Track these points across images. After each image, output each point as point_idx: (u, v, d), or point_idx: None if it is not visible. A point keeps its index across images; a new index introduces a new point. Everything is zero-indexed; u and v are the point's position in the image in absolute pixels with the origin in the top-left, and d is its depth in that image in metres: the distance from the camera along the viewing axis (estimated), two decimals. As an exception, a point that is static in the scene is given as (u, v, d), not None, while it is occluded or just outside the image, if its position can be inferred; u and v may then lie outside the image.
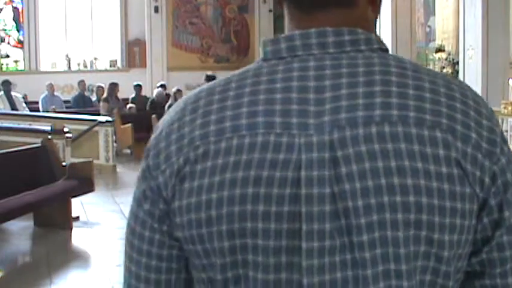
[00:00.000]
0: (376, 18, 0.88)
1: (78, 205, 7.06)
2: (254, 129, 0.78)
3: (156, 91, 13.45)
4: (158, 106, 12.62)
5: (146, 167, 0.85)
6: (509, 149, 0.81)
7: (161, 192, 0.82)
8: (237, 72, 0.85)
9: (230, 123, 0.79)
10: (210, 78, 11.40)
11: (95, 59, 16.91)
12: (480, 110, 0.81)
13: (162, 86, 13.85)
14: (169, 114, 0.86)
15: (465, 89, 0.82)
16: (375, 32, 0.86)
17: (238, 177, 0.77)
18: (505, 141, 0.81)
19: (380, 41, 0.84)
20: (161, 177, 0.82)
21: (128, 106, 12.86)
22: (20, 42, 16.72)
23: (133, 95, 13.56)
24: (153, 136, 0.87)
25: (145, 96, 13.54)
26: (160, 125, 0.86)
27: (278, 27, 16.54)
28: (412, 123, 0.76)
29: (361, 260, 0.75)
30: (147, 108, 12.87)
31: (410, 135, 0.75)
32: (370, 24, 0.85)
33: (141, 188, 0.85)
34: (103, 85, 13.74)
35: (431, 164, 0.75)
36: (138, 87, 13.76)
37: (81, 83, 14.09)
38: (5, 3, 16.64)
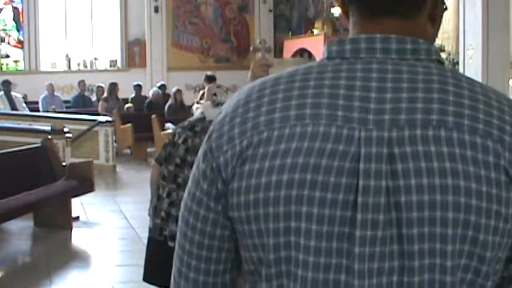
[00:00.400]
0: (435, 35, 0.95)
1: (78, 205, 7.06)
2: (317, 119, 0.84)
3: (151, 91, 13.44)
4: (155, 106, 12.61)
5: (208, 148, 0.90)
6: None
7: (221, 173, 0.88)
8: (302, 66, 0.92)
9: (295, 112, 0.85)
10: (210, 78, 11.39)
11: (95, 59, 16.90)
12: None
13: (162, 86, 13.85)
14: (232, 101, 0.92)
15: None
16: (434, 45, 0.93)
17: (298, 162, 0.83)
18: None
19: (438, 54, 0.91)
20: (222, 158, 0.88)
21: (126, 106, 12.86)
22: (20, 42, 16.71)
23: (133, 95, 13.57)
24: (216, 120, 0.93)
25: (145, 96, 13.54)
26: (223, 110, 0.93)
27: (278, 27, 16.53)
28: (466, 130, 0.83)
29: (409, 252, 0.81)
30: (144, 108, 12.86)
31: (464, 141, 0.82)
32: (428, 38, 0.91)
33: (200, 168, 0.91)
34: (103, 85, 13.74)
35: (482, 169, 0.82)
36: (138, 87, 13.77)
37: (81, 83, 14.10)
38: (5, 3, 16.64)
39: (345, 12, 0.95)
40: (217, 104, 3.59)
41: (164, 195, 3.54)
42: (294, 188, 0.82)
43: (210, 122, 2.63)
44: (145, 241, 3.83)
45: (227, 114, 0.91)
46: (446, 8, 0.97)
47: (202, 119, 3.58)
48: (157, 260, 3.59)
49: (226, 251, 0.92)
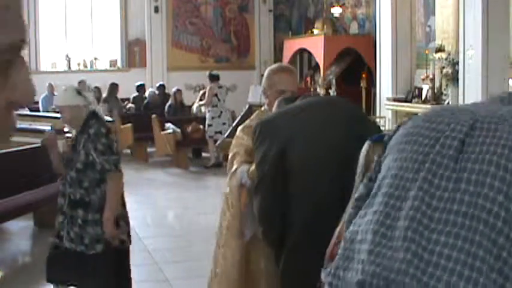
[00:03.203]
0: None
1: (78, 205, 7.04)
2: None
3: (148, 92, 13.43)
4: (153, 107, 12.60)
5: None
6: None
7: None
8: None
9: None
10: (212, 77, 11.39)
11: (95, 59, 16.89)
12: None
13: (161, 86, 13.84)
14: None
15: None
16: None
17: None
18: None
19: None
20: None
21: (128, 106, 12.85)
22: (20, 42, 16.70)
23: (134, 95, 13.54)
24: None
25: (145, 97, 13.54)
26: None
27: (278, 27, 16.52)
28: None
29: None
30: (142, 108, 12.86)
31: None
32: None
33: None
34: (99, 86, 13.72)
35: None
36: (141, 87, 13.71)
37: (82, 83, 13.99)
38: (5, 3, 16.63)
39: None
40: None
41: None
42: None
43: None
44: (146, 241, 3.84)
45: None
46: None
47: None
48: None
49: None
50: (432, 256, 1.00)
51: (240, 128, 3.40)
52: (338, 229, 1.70)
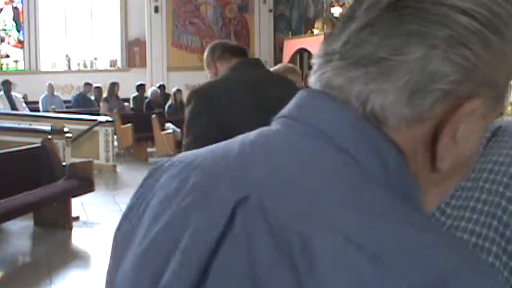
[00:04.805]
0: None
1: (78, 205, 7.05)
2: None
3: (150, 91, 13.43)
4: (155, 106, 12.61)
5: None
6: None
7: None
8: None
9: None
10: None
11: (95, 59, 16.91)
12: None
13: (161, 86, 13.85)
14: None
15: None
16: None
17: None
18: None
19: None
20: None
21: (126, 105, 12.86)
22: (20, 42, 16.71)
23: (134, 94, 13.54)
24: None
25: (146, 97, 13.55)
26: None
27: (278, 27, 16.53)
28: None
29: None
30: (144, 108, 12.86)
31: None
32: None
33: None
34: (100, 86, 13.72)
35: None
36: (141, 87, 13.71)
37: (87, 85, 13.78)
38: (5, 3, 16.64)
39: None
40: None
41: None
42: None
43: None
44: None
45: None
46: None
47: None
48: None
49: None
50: None
51: None
52: None
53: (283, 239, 0.52)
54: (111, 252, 0.73)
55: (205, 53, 3.03)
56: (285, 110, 0.65)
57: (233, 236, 0.55)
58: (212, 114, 2.68)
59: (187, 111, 2.79)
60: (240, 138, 0.65)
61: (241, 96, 2.72)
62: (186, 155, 0.69)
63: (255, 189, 0.57)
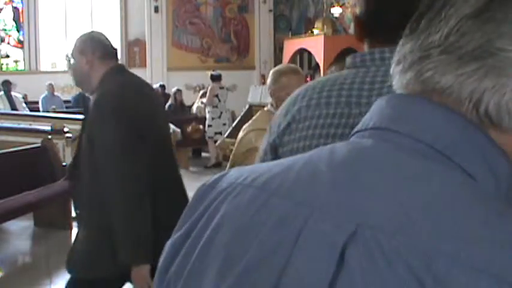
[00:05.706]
0: None
1: (78, 205, 7.05)
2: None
3: None
4: (157, 104, 12.61)
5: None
6: None
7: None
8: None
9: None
10: (213, 77, 11.38)
11: (95, 59, 16.91)
12: None
13: (161, 86, 13.85)
14: (291, 98, 1.29)
15: None
16: None
17: (323, 133, 1.16)
18: None
19: None
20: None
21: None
22: (20, 42, 16.71)
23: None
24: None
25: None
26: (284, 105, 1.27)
27: (278, 27, 16.52)
28: None
29: None
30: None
31: None
32: None
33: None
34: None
35: None
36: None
37: None
38: (5, 3, 16.64)
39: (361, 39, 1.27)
40: None
41: None
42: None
43: None
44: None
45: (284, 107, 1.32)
46: None
47: None
48: None
49: None
50: None
51: (247, 129, 3.36)
52: None
53: (411, 279, 0.44)
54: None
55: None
56: (373, 120, 0.56)
57: (347, 277, 0.46)
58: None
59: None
60: (323, 154, 0.55)
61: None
62: (245, 173, 0.58)
63: (364, 222, 0.47)
